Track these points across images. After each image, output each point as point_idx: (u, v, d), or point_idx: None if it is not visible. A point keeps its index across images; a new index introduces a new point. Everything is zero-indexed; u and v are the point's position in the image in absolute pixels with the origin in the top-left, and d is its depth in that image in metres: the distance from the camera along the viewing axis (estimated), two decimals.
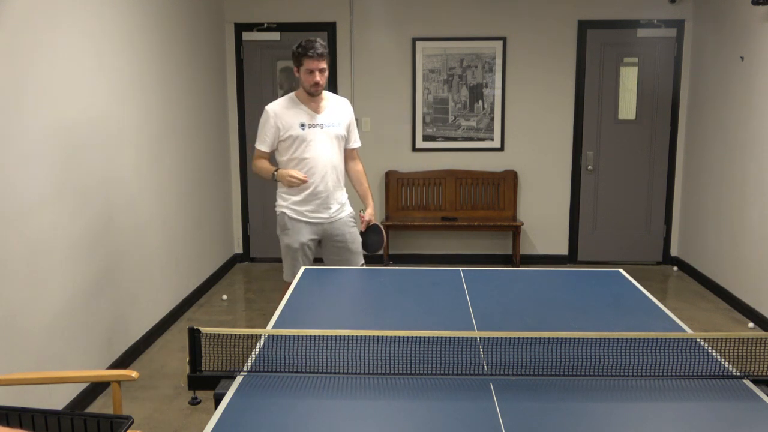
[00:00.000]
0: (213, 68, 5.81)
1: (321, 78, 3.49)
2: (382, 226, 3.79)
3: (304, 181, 3.50)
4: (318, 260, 3.76)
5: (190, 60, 5.18)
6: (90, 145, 3.61)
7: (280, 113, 3.56)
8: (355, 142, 3.79)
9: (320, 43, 3.48)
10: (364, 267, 3.71)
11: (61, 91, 3.32)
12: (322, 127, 3.58)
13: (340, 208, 3.69)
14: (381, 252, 3.83)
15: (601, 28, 6.12)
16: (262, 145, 3.60)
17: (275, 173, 3.55)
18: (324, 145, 3.58)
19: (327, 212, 3.64)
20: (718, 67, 5.53)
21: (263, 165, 3.62)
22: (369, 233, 3.76)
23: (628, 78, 6.20)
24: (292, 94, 3.65)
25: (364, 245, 3.77)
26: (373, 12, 6.15)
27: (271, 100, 6.21)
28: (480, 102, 6.25)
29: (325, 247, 3.73)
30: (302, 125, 3.54)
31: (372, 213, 3.78)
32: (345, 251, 3.70)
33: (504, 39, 6.15)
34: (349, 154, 3.79)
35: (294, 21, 6.18)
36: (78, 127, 3.49)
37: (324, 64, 3.48)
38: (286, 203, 3.64)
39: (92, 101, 3.65)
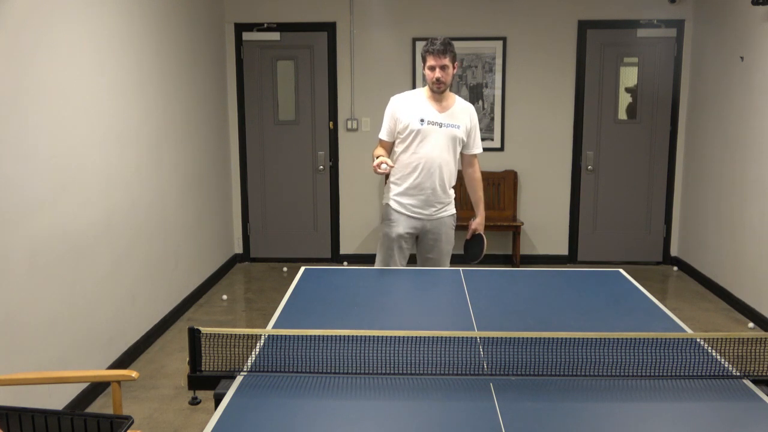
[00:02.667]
0: (213, 68, 5.81)
1: (442, 75, 3.45)
2: (485, 237, 3.77)
3: (382, 171, 3.38)
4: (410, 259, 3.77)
5: (190, 60, 5.18)
6: (90, 145, 3.61)
7: (402, 105, 3.56)
8: (476, 148, 3.73)
9: (442, 40, 3.45)
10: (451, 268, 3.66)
11: (61, 91, 3.32)
12: (440, 126, 3.54)
13: (443, 208, 3.67)
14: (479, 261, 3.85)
15: (601, 28, 6.12)
16: (383, 134, 3.62)
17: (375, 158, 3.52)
18: (439, 143, 3.54)
19: (429, 209, 3.63)
20: (718, 67, 5.53)
21: (376, 152, 3.60)
22: (473, 242, 3.77)
23: (628, 78, 6.20)
24: (421, 89, 3.64)
25: (466, 253, 3.77)
26: (373, 12, 6.15)
27: (271, 100, 6.30)
28: (480, 102, 6.24)
29: (420, 242, 3.73)
30: (422, 120, 3.51)
31: (481, 222, 3.78)
32: (437, 250, 3.68)
33: (504, 39, 6.15)
34: (468, 160, 3.75)
35: (294, 21, 6.18)
36: (78, 127, 3.49)
37: (446, 61, 3.44)
38: (392, 194, 3.66)
39: (92, 101, 3.65)
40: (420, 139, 3.51)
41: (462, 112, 3.62)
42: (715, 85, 5.58)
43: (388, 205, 3.68)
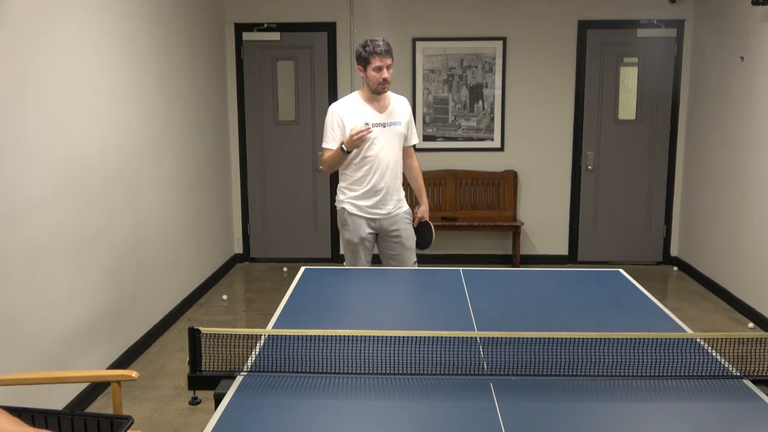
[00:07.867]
0: (213, 68, 5.81)
1: (389, 75, 3.52)
2: (432, 224, 3.83)
3: (368, 130, 3.44)
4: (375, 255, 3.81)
5: (190, 60, 5.18)
6: (90, 145, 3.61)
7: (344, 112, 3.58)
8: (414, 139, 3.81)
9: (384, 41, 3.52)
10: (417, 266, 3.72)
11: (60, 91, 3.32)
12: (384, 126, 3.60)
13: (397, 205, 3.73)
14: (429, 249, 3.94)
15: (601, 28, 6.12)
16: (331, 143, 3.59)
17: (343, 146, 3.51)
18: (386, 143, 3.61)
19: (385, 208, 3.68)
20: (718, 67, 5.52)
21: (329, 153, 3.59)
22: (421, 230, 3.82)
23: (628, 78, 6.20)
24: (355, 94, 3.66)
25: (416, 241, 3.82)
26: (373, 12, 6.15)
27: (271, 100, 6.30)
28: (480, 102, 6.25)
29: (381, 241, 3.77)
30: (365, 124, 3.53)
31: (426, 210, 3.82)
32: (400, 247, 3.73)
33: (504, 39, 6.15)
34: (406, 151, 3.81)
35: (294, 21, 6.18)
36: (78, 128, 3.49)
37: (390, 61, 3.51)
38: (346, 198, 3.68)
39: (92, 101, 3.64)
40: (368, 143, 3.55)
41: (399, 108, 3.69)
42: (715, 85, 5.58)
43: (344, 209, 3.69)
